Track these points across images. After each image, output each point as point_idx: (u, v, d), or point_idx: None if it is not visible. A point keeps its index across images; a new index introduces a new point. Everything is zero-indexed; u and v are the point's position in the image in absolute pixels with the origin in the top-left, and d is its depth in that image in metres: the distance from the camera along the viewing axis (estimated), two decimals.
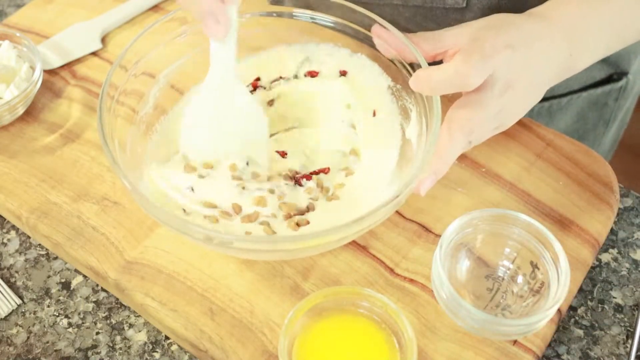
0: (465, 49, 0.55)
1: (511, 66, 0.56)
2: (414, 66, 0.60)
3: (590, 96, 0.83)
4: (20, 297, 0.62)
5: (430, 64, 0.57)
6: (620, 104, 0.86)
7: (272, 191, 0.60)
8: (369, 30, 0.62)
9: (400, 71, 0.62)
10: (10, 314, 0.61)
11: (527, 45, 0.57)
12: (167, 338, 0.59)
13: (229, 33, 0.56)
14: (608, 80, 0.83)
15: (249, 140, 0.62)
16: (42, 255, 0.64)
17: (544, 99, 0.80)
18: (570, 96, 0.82)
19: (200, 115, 0.61)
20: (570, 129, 0.85)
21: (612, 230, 0.65)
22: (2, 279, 0.63)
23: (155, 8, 0.81)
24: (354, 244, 0.61)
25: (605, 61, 0.80)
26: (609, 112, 0.86)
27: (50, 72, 0.75)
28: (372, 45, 0.63)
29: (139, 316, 0.60)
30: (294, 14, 0.66)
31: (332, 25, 0.65)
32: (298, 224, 0.58)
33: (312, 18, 0.66)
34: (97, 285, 0.62)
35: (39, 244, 0.65)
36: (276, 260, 0.60)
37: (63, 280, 0.63)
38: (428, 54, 0.59)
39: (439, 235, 0.61)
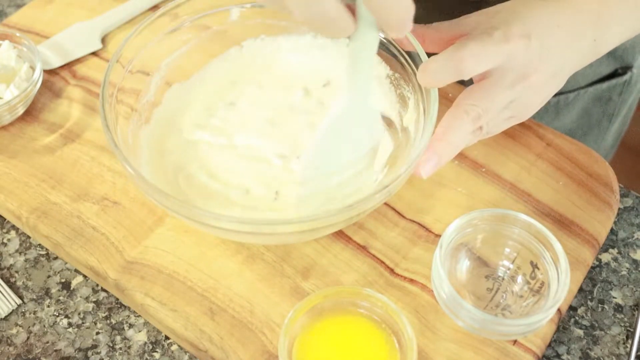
0: (471, 35, 0.54)
1: (527, 57, 0.54)
2: (411, 54, 0.60)
3: (596, 91, 0.82)
4: (20, 297, 0.62)
5: None
6: (624, 99, 0.86)
7: None
8: None
9: (398, 60, 0.62)
10: (10, 314, 0.61)
11: (547, 33, 0.55)
12: (167, 338, 0.59)
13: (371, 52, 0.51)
14: (613, 74, 0.82)
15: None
16: (42, 255, 0.64)
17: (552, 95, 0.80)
18: (577, 91, 0.81)
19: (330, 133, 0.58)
20: (575, 124, 0.85)
21: (612, 230, 0.65)
22: (2, 279, 0.63)
23: (154, 8, 0.81)
24: (354, 243, 0.61)
25: (611, 55, 0.79)
26: (613, 106, 0.85)
27: (50, 72, 0.75)
28: None
29: (139, 316, 0.60)
30: None
31: None
32: None
33: None
34: (97, 285, 0.62)
35: (39, 244, 0.65)
36: (282, 243, 0.60)
37: (63, 280, 0.63)
38: (445, 40, 0.57)
39: (439, 235, 0.61)
